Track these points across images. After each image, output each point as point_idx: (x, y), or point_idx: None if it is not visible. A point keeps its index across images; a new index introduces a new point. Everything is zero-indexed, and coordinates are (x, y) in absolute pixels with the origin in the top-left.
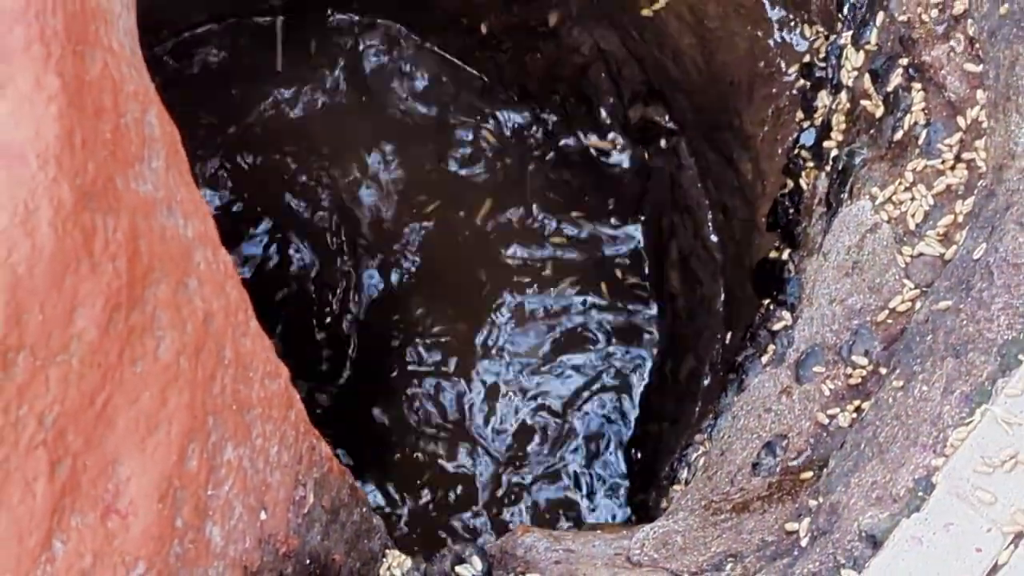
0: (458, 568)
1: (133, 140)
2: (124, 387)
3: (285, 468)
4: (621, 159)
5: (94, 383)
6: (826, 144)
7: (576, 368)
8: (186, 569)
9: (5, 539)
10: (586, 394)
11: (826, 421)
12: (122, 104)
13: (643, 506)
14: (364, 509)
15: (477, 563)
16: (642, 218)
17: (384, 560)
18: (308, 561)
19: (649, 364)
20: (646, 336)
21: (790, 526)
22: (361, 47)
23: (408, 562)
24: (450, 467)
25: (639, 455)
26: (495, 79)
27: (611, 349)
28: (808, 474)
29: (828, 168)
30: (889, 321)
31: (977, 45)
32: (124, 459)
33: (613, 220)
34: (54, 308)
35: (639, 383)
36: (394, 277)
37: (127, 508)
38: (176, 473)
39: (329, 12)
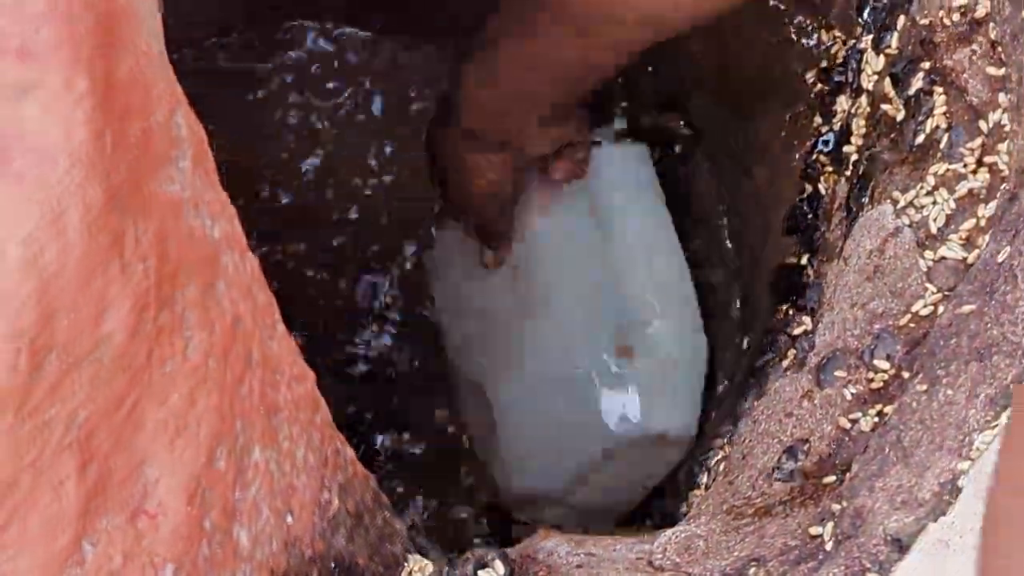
0: (480, 572)
1: (161, 141)
2: (153, 388)
3: (311, 471)
4: None
5: (123, 384)
6: (845, 148)
7: None
8: (214, 572)
9: (35, 541)
10: None
11: (848, 425)
12: (150, 105)
13: (659, 510)
14: (387, 513)
15: (499, 567)
16: None
17: (406, 564)
18: (333, 565)
19: None
20: None
21: (814, 530)
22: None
23: (430, 567)
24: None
25: None
26: None
27: None
28: (831, 478)
29: (848, 172)
30: (911, 325)
31: (999, 48)
32: (153, 460)
33: None
34: (84, 309)
35: None
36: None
37: (156, 509)
38: (204, 475)
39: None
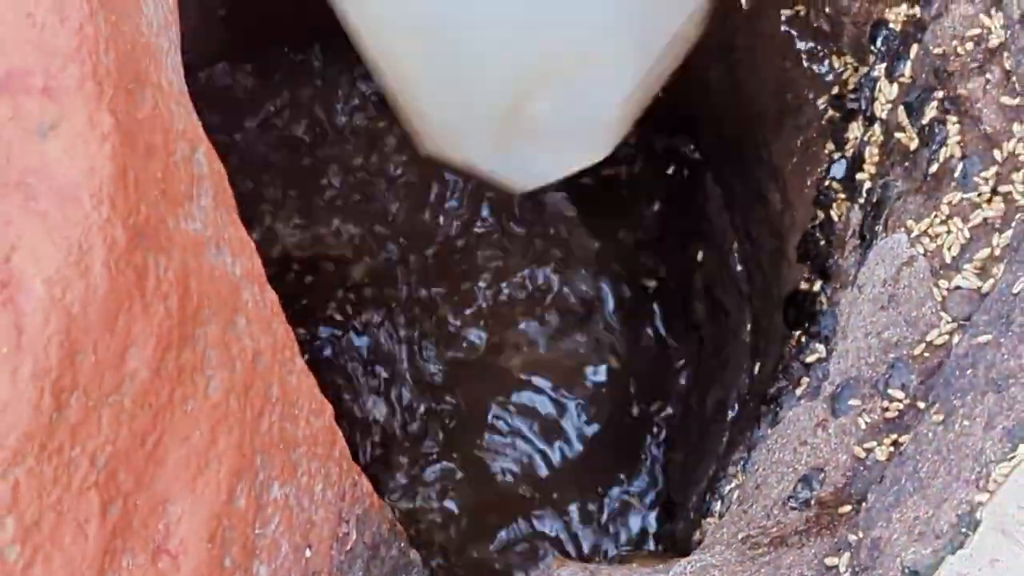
0: None
1: (183, 179)
2: (175, 427)
3: (329, 505)
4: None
5: (145, 423)
6: (859, 176)
7: None
8: None
9: None
10: None
11: (863, 455)
12: (172, 142)
13: (671, 536)
14: (402, 544)
15: None
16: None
17: None
18: None
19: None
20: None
21: (830, 560)
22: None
23: None
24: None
25: (665, 485)
26: None
27: None
28: (846, 508)
29: (861, 200)
30: (926, 355)
31: (1014, 78)
32: (174, 499)
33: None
34: (107, 348)
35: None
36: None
37: (177, 548)
38: (225, 512)
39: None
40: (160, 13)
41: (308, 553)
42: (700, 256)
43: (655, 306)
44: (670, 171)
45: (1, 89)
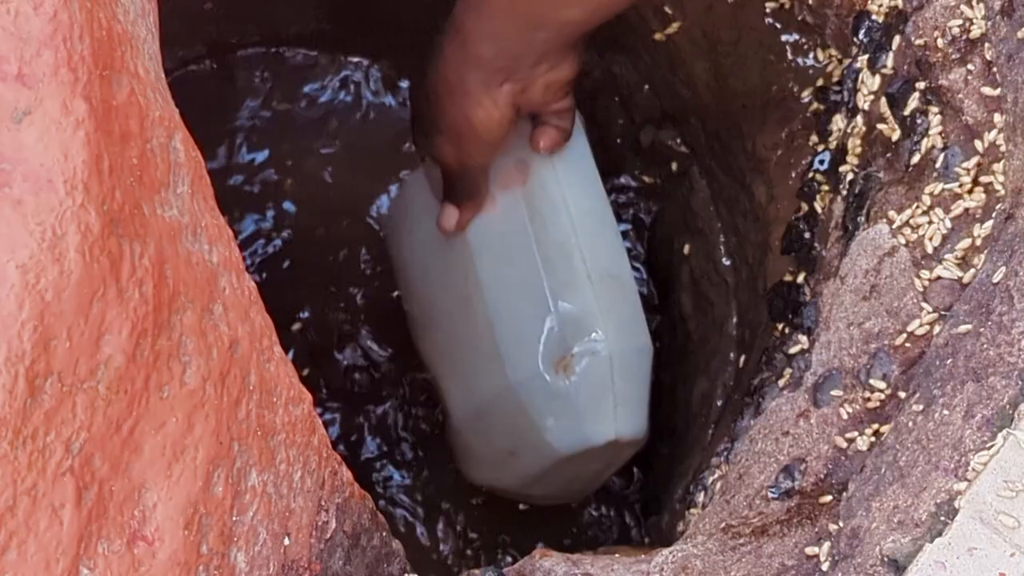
0: None
1: (159, 166)
2: (150, 413)
3: (308, 493)
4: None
5: (121, 409)
6: (841, 168)
7: None
8: None
9: (33, 567)
10: None
11: (845, 445)
12: (148, 129)
13: (656, 528)
14: (384, 534)
15: None
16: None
17: None
18: None
19: None
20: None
21: (810, 550)
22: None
23: None
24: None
25: (647, 477)
26: None
27: None
28: (827, 498)
29: (844, 192)
30: (908, 345)
31: (995, 69)
32: (150, 485)
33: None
34: (81, 334)
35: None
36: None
37: (153, 534)
38: (202, 499)
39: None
40: (137, 1)
41: (287, 541)
42: (686, 249)
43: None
44: (656, 164)
45: None
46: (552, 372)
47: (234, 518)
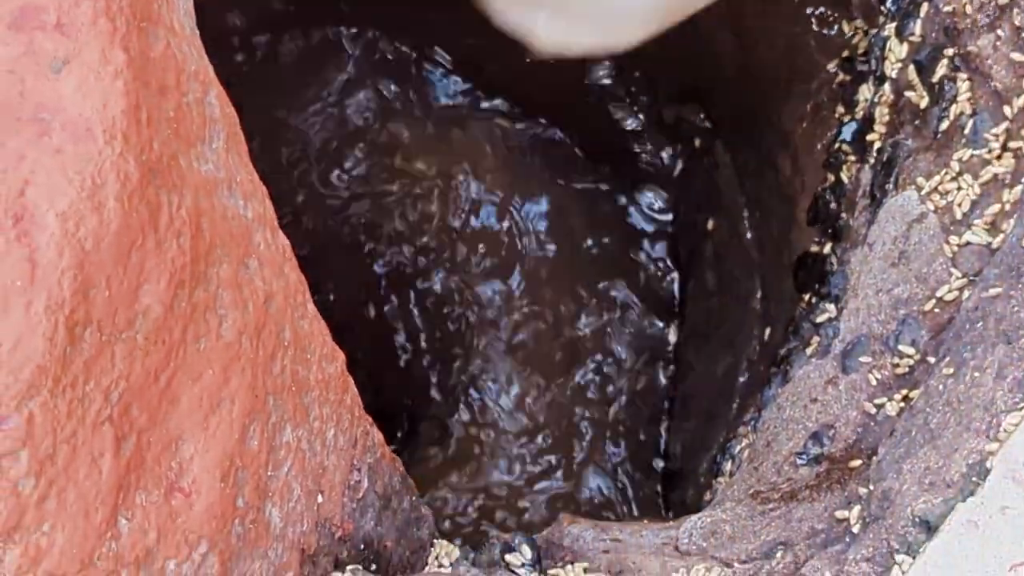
0: (508, 556)
1: (195, 120)
2: (187, 365)
3: (341, 452)
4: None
5: (158, 360)
6: (869, 137)
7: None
8: (247, 549)
9: (72, 514)
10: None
11: (873, 411)
12: (184, 83)
13: (681, 504)
14: (414, 498)
15: (527, 551)
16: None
17: (432, 549)
18: (362, 546)
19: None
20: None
21: (840, 514)
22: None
23: (456, 551)
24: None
25: (670, 453)
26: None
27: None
28: (857, 462)
29: (871, 160)
30: (937, 310)
31: (1023, 34)
32: (187, 437)
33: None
34: (120, 284)
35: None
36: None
37: (190, 486)
38: (238, 452)
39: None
40: None
41: (320, 499)
42: (710, 225)
43: (666, 275)
44: (680, 140)
45: (15, 25)
46: None
47: (269, 473)
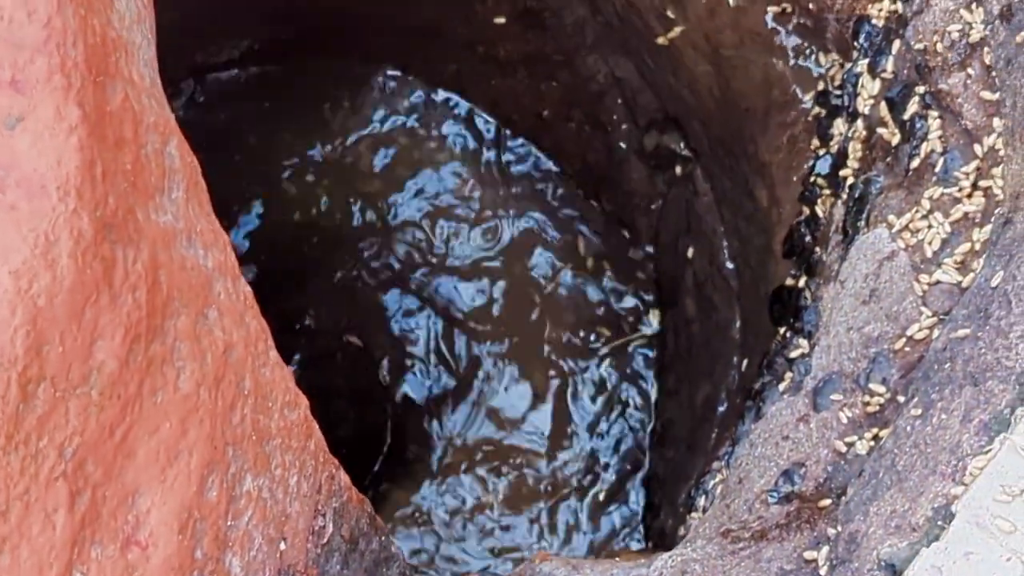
0: None
1: (154, 171)
2: (144, 418)
3: (304, 498)
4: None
5: (114, 414)
6: (842, 172)
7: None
8: None
9: (27, 570)
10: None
11: (844, 449)
12: (143, 135)
13: (660, 533)
14: (383, 538)
15: None
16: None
17: None
18: None
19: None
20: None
21: (809, 555)
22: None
23: None
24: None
25: (654, 482)
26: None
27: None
28: (826, 501)
29: (844, 196)
30: (907, 349)
31: (994, 73)
32: (144, 490)
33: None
34: (74, 340)
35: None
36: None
37: (147, 539)
38: (196, 504)
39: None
40: (133, 7)
41: (283, 546)
42: (690, 252)
43: (646, 304)
44: (661, 168)
45: None
46: None
47: (229, 523)
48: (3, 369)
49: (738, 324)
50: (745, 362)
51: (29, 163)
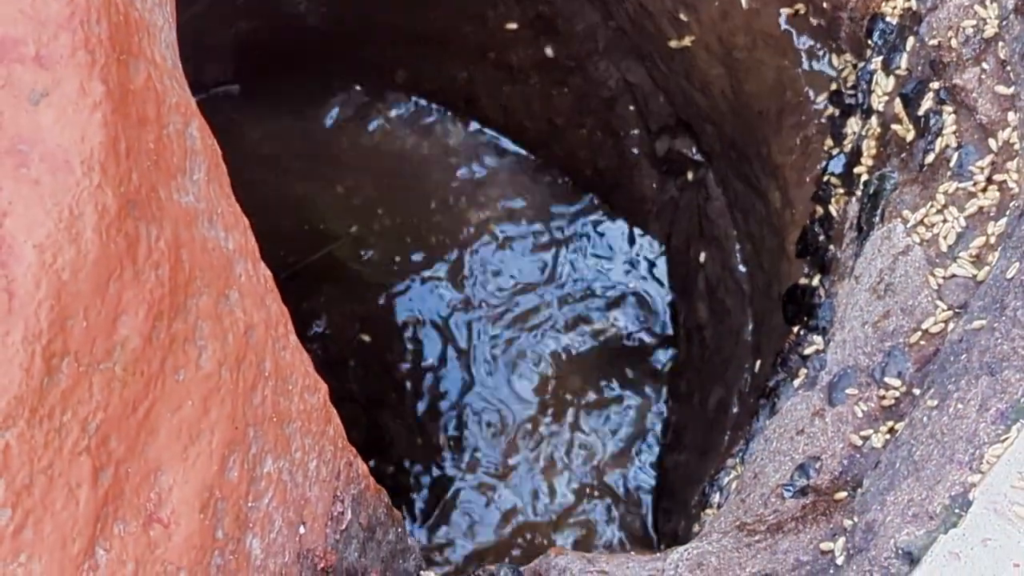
0: None
1: (175, 151)
2: (166, 396)
3: (324, 483)
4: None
5: (137, 391)
6: (856, 170)
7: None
8: None
9: (49, 545)
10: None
11: (859, 442)
12: (165, 115)
13: (672, 535)
14: (399, 529)
15: None
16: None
17: None
18: None
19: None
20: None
21: (825, 546)
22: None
23: None
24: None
25: (666, 485)
26: (521, 114)
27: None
28: (842, 494)
29: (859, 193)
30: (922, 343)
31: (1008, 67)
32: (166, 468)
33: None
34: (98, 314)
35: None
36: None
37: (169, 517)
38: (217, 483)
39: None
40: None
41: (302, 530)
42: (702, 257)
43: (659, 307)
44: (673, 173)
45: None
46: None
47: (250, 504)
48: (28, 342)
49: (750, 327)
50: (758, 364)
51: (53, 138)
